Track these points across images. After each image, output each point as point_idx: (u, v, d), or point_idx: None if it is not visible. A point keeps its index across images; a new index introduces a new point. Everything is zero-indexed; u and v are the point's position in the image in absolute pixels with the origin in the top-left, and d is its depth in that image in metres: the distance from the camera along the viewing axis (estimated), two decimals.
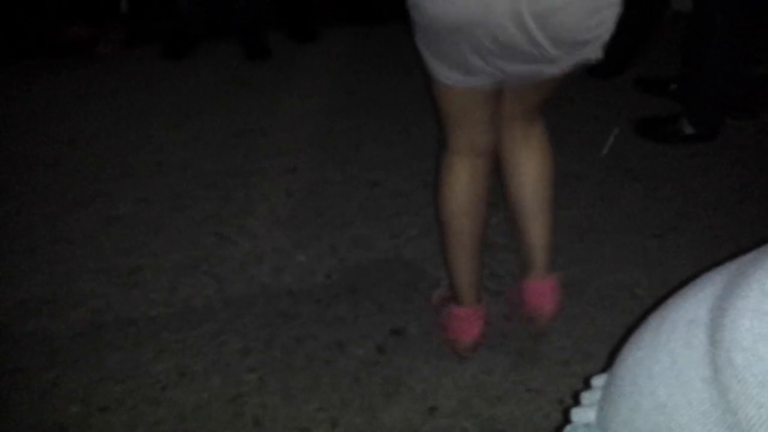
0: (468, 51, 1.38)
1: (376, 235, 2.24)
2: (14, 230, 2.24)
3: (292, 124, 2.82)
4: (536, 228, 1.76)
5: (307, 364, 1.80)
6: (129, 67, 3.21)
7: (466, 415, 1.67)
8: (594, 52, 1.45)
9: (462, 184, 1.62)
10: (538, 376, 1.76)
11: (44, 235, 2.22)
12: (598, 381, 0.78)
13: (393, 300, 2.00)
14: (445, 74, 1.46)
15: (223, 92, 3.04)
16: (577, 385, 1.73)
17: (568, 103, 2.95)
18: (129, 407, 1.68)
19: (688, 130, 2.68)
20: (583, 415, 0.75)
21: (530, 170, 1.72)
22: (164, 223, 2.27)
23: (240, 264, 2.11)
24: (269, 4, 3.42)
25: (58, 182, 2.46)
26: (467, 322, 1.79)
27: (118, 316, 1.92)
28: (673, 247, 2.20)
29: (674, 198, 2.42)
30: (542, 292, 1.83)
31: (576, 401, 0.80)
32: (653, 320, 0.69)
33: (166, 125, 2.80)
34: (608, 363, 0.80)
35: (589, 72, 3.13)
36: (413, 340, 1.88)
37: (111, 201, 2.36)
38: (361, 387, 1.75)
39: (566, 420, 0.78)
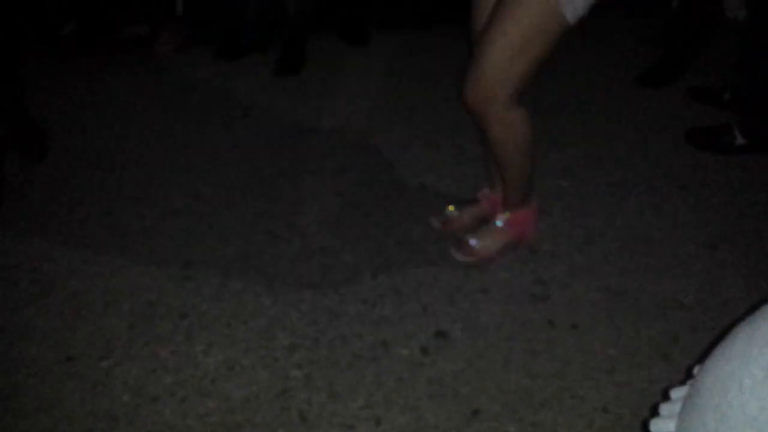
0: None
1: (422, 237, 2.26)
2: (70, 223, 2.31)
3: (342, 126, 2.85)
4: None
5: (353, 362, 1.83)
6: (185, 66, 3.28)
7: (509, 419, 1.68)
8: None
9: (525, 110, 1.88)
10: (583, 383, 1.76)
11: (99, 227, 2.29)
12: (677, 393, 0.78)
13: (438, 302, 2.02)
14: (581, 7, 1.63)
15: (276, 93, 3.09)
16: (623, 393, 1.73)
17: (619, 112, 2.93)
18: (179, 398, 1.72)
19: (741, 140, 2.64)
20: (662, 425, 0.75)
21: None
22: (217, 219, 2.32)
23: (289, 261, 2.15)
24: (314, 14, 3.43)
25: (113, 177, 2.53)
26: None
27: (171, 309, 1.97)
28: (723, 258, 2.18)
29: (725, 209, 2.39)
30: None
31: (654, 413, 0.79)
32: (742, 333, 0.69)
33: (220, 124, 2.85)
34: (687, 375, 0.80)
35: (641, 80, 3.11)
36: (457, 343, 1.89)
37: (165, 196, 2.42)
38: (405, 387, 1.77)
39: (644, 430, 0.78)
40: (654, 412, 0.87)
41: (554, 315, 1.97)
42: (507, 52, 1.69)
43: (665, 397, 0.89)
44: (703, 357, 0.80)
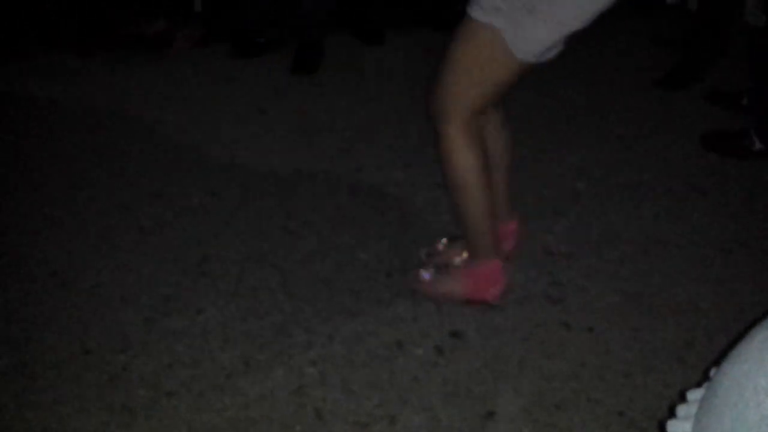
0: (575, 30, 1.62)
1: (437, 236, 2.25)
2: (87, 217, 2.32)
3: (359, 125, 2.86)
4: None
5: (368, 361, 1.83)
6: (202, 63, 3.29)
7: (524, 421, 1.68)
8: None
9: (480, 146, 1.79)
10: (598, 386, 1.76)
11: (117, 223, 2.30)
12: (694, 395, 0.78)
13: (452, 302, 2.02)
14: (539, 50, 1.62)
15: (292, 91, 3.10)
16: (639, 397, 1.73)
17: (637, 115, 2.93)
18: (195, 393, 1.73)
19: (758, 145, 2.63)
20: (679, 427, 0.76)
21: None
22: (233, 216, 2.33)
23: (304, 258, 2.16)
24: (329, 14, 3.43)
25: (131, 172, 2.54)
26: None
27: (187, 304, 1.98)
28: (739, 262, 2.17)
29: (742, 213, 2.38)
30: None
31: (671, 414, 0.80)
32: (758, 335, 0.70)
33: (236, 121, 2.86)
34: (703, 377, 0.80)
35: (659, 83, 3.10)
36: (472, 343, 1.89)
37: (182, 192, 2.43)
38: (420, 387, 1.77)
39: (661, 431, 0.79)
40: (671, 414, 0.87)
41: (570, 317, 1.96)
42: (459, 76, 1.71)
43: (682, 398, 0.90)
44: (719, 359, 0.80)
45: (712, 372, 0.81)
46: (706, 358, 1.83)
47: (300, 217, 2.33)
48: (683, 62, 3.12)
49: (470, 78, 1.69)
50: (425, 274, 2.04)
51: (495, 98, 1.78)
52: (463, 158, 1.77)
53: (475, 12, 1.64)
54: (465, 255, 2.02)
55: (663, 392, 1.74)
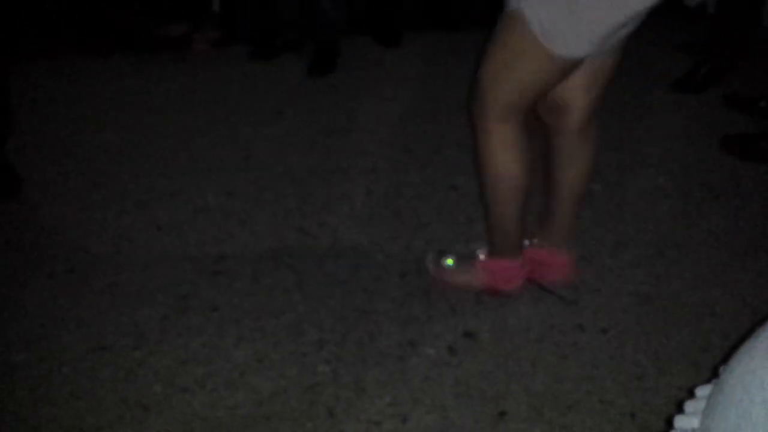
0: (624, 27, 1.54)
1: (451, 237, 2.26)
2: (105, 217, 2.35)
3: (375, 126, 2.87)
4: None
5: (380, 360, 1.84)
6: (220, 65, 3.32)
7: (536, 422, 1.68)
8: None
9: (518, 147, 1.75)
10: (611, 388, 1.76)
11: (134, 222, 2.33)
12: (702, 391, 0.79)
13: (466, 302, 2.02)
14: (581, 47, 1.54)
15: (309, 93, 3.11)
16: (651, 399, 1.72)
17: (654, 118, 2.91)
18: (209, 390, 1.75)
19: None
20: (686, 422, 0.76)
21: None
22: (249, 216, 2.35)
23: (319, 259, 2.17)
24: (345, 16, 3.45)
25: (149, 172, 2.57)
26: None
27: (203, 302, 2.00)
28: (756, 267, 2.15)
29: (759, 217, 2.36)
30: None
31: (679, 409, 0.80)
32: (765, 332, 0.70)
33: (254, 122, 2.88)
34: (712, 375, 0.80)
35: (677, 86, 3.08)
36: (485, 344, 1.89)
37: (199, 192, 2.46)
38: (432, 386, 1.77)
39: (669, 427, 0.79)
40: (679, 410, 0.88)
41: (584, 319, 1.96)
42: (492, 70, 1.65)
43: (691, 395, 0.90)
44: (728, 357, 0.81)
45: (721, 369, 0.81)
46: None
47: (315, 218, 2.34)
48: (702, 65, 3.11)
49: (502, 71, 1.63)
50: (447, 259, 2.05)
51: (535, 96, 1.68)
52: (498, 161, 1.75)
53: (509, 3, 1.58)
54: (483, 250, 2.01)
55: (676, 395, 1.73)
